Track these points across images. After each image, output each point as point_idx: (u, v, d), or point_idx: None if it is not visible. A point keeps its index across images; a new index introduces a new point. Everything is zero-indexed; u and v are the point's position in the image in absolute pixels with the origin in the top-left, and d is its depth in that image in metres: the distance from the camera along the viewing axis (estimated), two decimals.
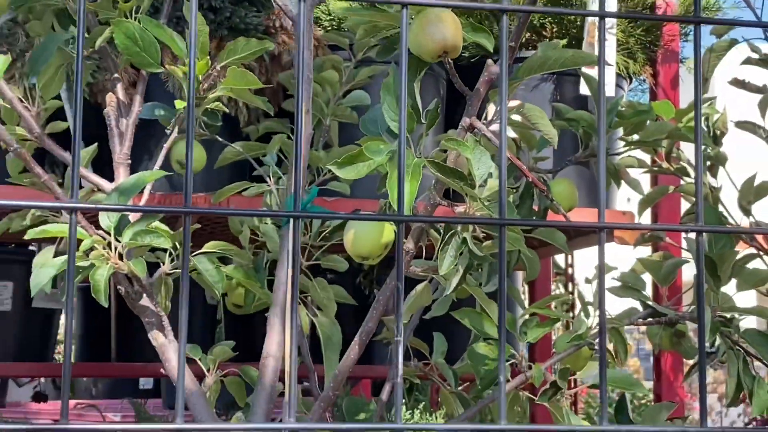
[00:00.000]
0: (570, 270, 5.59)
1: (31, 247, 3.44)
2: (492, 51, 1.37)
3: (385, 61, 2.54)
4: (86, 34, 1.74)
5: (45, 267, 1.49)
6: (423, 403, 3.37)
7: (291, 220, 1.66)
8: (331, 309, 1.77)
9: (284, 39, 2.41)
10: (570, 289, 5.55)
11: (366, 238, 1.43)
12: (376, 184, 2.59)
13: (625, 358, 1.70)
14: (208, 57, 1.64)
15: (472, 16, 2.49)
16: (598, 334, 1.72)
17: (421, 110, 1.38)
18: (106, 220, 1.54)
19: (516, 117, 1.53)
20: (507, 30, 0.93)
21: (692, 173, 2.33)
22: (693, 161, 2.36)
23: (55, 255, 1.75)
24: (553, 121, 1.92)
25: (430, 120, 1.41)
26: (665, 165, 2.26)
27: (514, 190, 1.74)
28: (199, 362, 1.65)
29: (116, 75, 1.77)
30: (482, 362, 1.59)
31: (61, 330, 4.05)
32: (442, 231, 1.42)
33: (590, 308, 1.73)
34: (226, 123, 2.40)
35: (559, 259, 5.52)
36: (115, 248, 1.53)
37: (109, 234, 1.53)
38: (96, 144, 1.84)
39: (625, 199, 3.04)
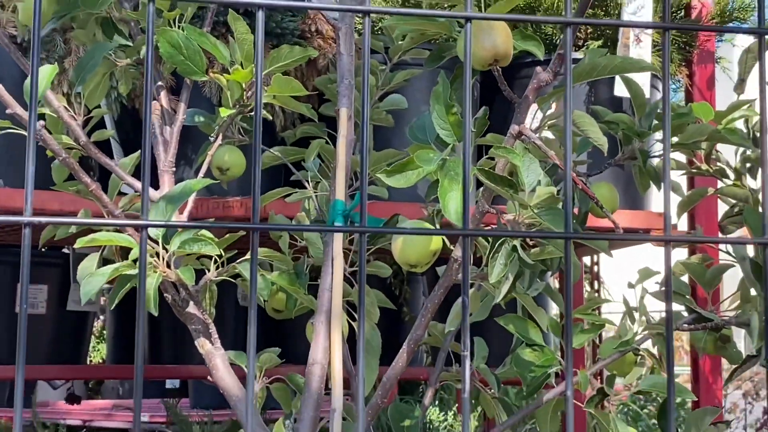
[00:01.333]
0: (596, 268, 5.58)
1: (65, 250, 3.46)
2: (542, 59, 1.37)
3: (419, 64, 2.56)
4: (130, 43, 1.75)
5: (95, 276, 1.50)
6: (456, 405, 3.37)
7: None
8: (374, 315, 1.77)
9: (320, 43, 2.42)
10: (596, 287, 5.54)
11: (415, 245, 1.43)
12: (412, 187, 2.59)
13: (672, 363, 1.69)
14: (253, 65, 1.64)
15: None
16: (642, 340, 1.72)
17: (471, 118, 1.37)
18: (155, 229, 1.54)
19: (559, 122, 1.53)
20: (571, 42, 0.93)
21: (731, 175, 2.32)
22: (732, 163, 2.35)
23: (101, 262, 1.76)
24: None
25: (478, 128, 1.41)
26: (704, 167, 2.25)
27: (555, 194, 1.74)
28: (244, 368, 1.65)
29: (160, 83, 1.77)
30: (528, 368, 1.59)
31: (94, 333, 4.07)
32: (490, 239, 1.42)
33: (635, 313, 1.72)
34: (263, 127, 2.42)
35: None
36: (163, 257, 1.54)
37: (157, 242, 1.54)
38: (139, 151, 1.84)
39: (658, 200, 3.03)
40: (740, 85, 2.39)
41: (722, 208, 2.74)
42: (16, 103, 1.53)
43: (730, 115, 2.12)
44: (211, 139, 1.74)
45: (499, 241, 1.37)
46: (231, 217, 2.41)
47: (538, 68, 1.39)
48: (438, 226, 1.47)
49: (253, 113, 1.66)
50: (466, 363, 0.90)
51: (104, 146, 2.37)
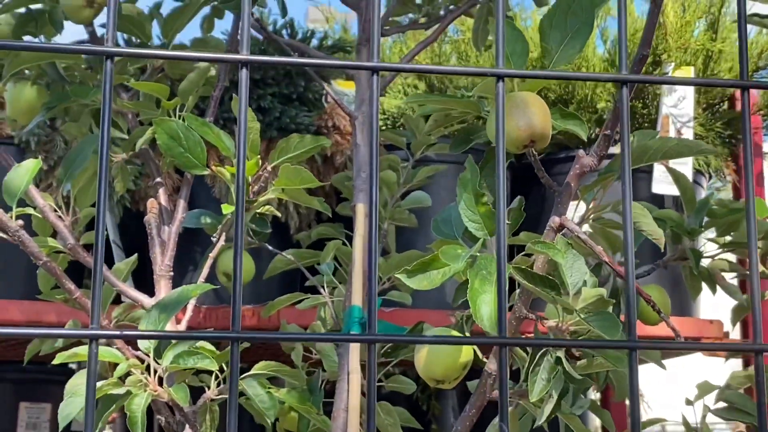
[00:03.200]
0: None
1: (71, 365, 3.27)
2: (585, 140, 1.19)
3: (444, 160, 2.39)
4: (126, 135, 1.59)
5: (75, 396, 1.31)
6: None
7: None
8: None
9: (337, 139, 2.26)
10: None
11: (442, 357, 1.24)
12: (440, 293, 2.40)
13: None
14: (259, 156, 1.47)
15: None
16: None
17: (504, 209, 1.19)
18: (146, 341, 1.36)
19: (610, 215, 1.35)
20: (628, 100, 0.75)
21: None
22: None
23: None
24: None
25: (513, 221, 1.22)
26: (761, 268, 2.05)
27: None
28: None
29: (158, 179, 1.61)
30: None
31: None
32: (530, 349, 1.22)
33: None
34: (275, 230, 2.24)
35: None
36: (155, 372, 1.35)
37: (148, 356, 1.35)
38: (136, 255, 1.67)
39: (710, 306, 2.81)
40: None
41: None
42: None
43: None
44: (213, 239, 1.56)
45: (541, 352, 1.17)
46: (244, 327, 2.21)
47: (580, 152, 1.21)
48: (468, 335, 1.28)
49: (261, 212, 1.49)
50: None
51: (106, 251, 2.20)
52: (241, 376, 1.48)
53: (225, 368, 1.49)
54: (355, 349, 1.48)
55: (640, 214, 1.27)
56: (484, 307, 1.09)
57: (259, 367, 1.52)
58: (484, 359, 1.27)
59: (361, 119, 1.63)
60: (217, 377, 1.47)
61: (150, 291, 1.58)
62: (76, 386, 1.55)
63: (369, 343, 0.72)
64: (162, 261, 1.53)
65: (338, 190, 2.30)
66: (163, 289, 1.52)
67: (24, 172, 1.43)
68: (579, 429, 1.29)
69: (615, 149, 2.14)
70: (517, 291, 1.26)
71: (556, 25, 1.17)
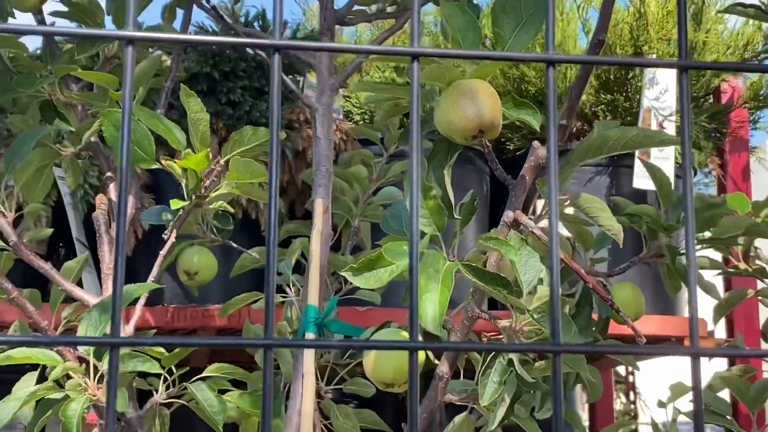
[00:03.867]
0: (630, 378, 5.26)
1: None
2: (539, 129, 1.12)
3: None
4: (72, 128, 1.53)
5: (9, 401, 1.25)
6: None
7: (306, 338, 1.42)
8: None
9: (309, 133, 2.19)
10: (632, 398, 5.21)
11: (391, 360, 1.17)
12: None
13: None
14: (208, 150, 1.41)
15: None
16: None
17: (453, 204, 1.13)
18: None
19: (570, 210, 1.28)
20: (554, 82, 0.69)
21: None
22: None
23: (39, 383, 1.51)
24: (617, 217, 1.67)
25: (465, 216, 1.16)
26: (742, 266, 1.98)
27: (570, 298, 1.48)
28: None
29: (109, 174, 1.54)
30: None
31: None
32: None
33: None
34: (244, 227, 2.17)
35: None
36: (96, 374, 1.28)
37: (88, 358, 1.29)
38: (87, 252, 1.61)
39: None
40: None
41: (763, 312, 2.46)
42: None
43: (766, 208, 1.86)
44: (165, 237, 1.49)
45: (492, 355, 1.11)
46: (212, 327, 2.15)
47: (536, 143, 1.15)
48: (421, 337, 1.21)
49: (222, 209, 1.43)
50: None
51: (71, 250, 2.13)
52: (191, 380, 1.42)
53: (174, 371, 1.43)
54: (309, 352, 1.41)
55: (598, 209, 1.21)
56: (429, 306, 1.03)
57: (212, 370, 1.46)
58: (436, 362, 1.21)
59: (321, 111, 1.56)
60: (166, 380, 1.41)
61: None
62: (21, 389, 1.48)
63: (265, 348, 0.66)
64: (110, 259, 1.47)
65: (311, 186, 2.24)
66: (110, 289, 1.45)
67: None
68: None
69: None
70: (471, 289, 1.19)
71: (510, 10, 1.11)
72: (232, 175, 1.40)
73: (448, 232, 1.17)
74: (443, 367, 1.18)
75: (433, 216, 1.11)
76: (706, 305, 2.26)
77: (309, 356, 1.42)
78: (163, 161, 1.44)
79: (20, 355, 1.28)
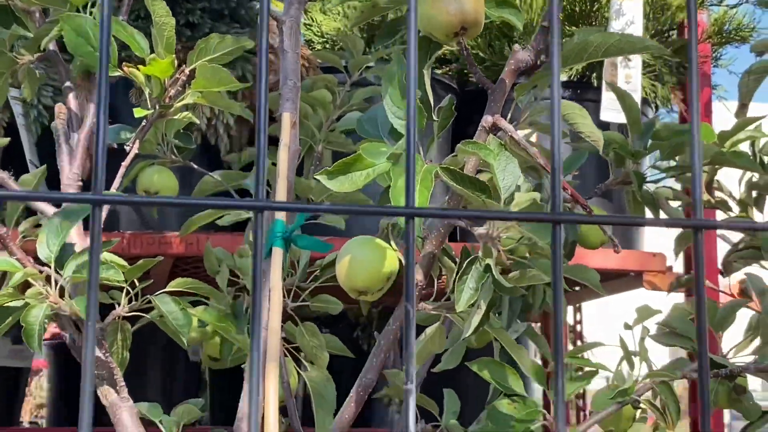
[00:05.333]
0: (579, 327, 5.29)
1: None
2: (521, 30, 1.10)
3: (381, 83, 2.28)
4: (30, 33, 1.47)
5: None
6: None
7: (274, 252, 1.38)
8: (322, 359, 1.48)
9: (271, 58, 2.14)
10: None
11: (364, 266, 1.15)
12: (374, 222, 2.31)
13: (678, 417, 1.40)
14: (174, 56, 1.36)
15: None
16: (643, 390, 1.43)
17: (432, 106, 1.10)
18: (46, 249, 1.25)
19: (546, 120, 1.26)
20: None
21: (734, 207, 2.05)
22: (735, 193, 2.08)
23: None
24: (580, 144, 1.65)
25: (442, 120, 1.13)
26: (705, 197, 1.98)
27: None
28: (159, 425, 1.35)
29: (68, 83, 1.49)
30: (507, 424, 1.30)
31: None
32: (458, 259, 1.13)
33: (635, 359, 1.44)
34: (204, 152, 2.13)
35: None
36: (57, 284, 1.24)
37: (49, 266, 1.25)
38: (45, 166, 1.56)
39: (652, 239, 2.74)
40: (741, 111, 2.13)
41: (721, 246, 2.46)
42: None
43: (735, 136, 1.86)
44: (127, 148, 1.45)
45: (468, 260, 1.09)
46: (169, 254, 2.11)
47: (516, 46, 1.12)
48: (393, 245, 1.19)
49: (187, 119, 1.38)
50: (410, 400, 0.62)
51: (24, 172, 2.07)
52: (155, 293, 1.38)
53: (137, 284, 1.39)
54: (276, 263, 1.38)
55: (579, 115, 1.19)
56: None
57: (175, 284, 1.42)
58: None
59: (288, 24, 1.52)
60: (128, 293, 1.37)
61: None
62: None
63: (258, 210, 0.63)
64: (70, 170, 1.42)
65: (272, 111, 2.19)
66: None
67: None
68: (509, 344, 1.21)
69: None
70: (447, 197, 1.17)
71: None
72: (198, 82, 1.36)
73: (425, 137, 1.15)
74: (417, 276, 1.16)
75: None
76: (668, 239, 2.25)
77: (276, 270, 1.39)
78: (125, 68, 1.39)
79: None
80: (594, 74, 2.28)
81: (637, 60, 2.22)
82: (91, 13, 1.44)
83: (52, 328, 3.44)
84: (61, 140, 1.44)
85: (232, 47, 1.40)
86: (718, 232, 2.29)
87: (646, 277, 2.31)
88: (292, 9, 1.54)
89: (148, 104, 1.41)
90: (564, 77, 2.30)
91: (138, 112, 1.38)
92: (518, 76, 1.14)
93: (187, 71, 1.40)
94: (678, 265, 2.51)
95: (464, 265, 1.08)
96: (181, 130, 1.74)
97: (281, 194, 1.45)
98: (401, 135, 1.09)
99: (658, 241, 2.56)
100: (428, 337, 1.23)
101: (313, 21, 2.42)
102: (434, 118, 1.10)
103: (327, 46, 2.40)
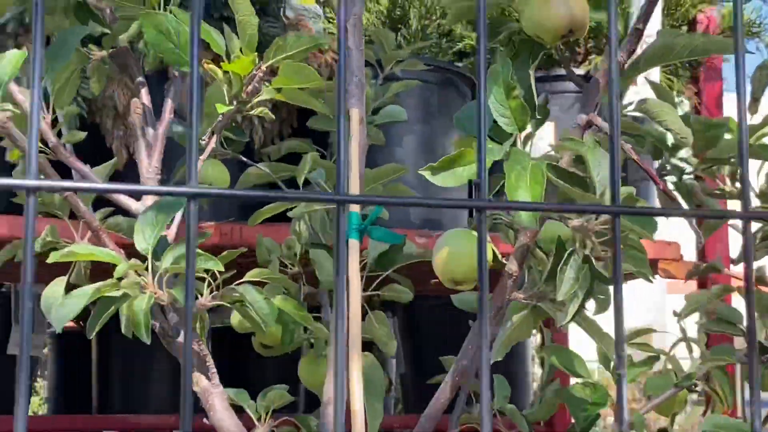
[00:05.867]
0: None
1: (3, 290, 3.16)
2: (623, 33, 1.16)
3: (409, 77, 2.33)
4: (108, 30, 1.51)
5: (72, 298, 1.24)
6: None
7: (351, 244, 1.43)
8: (391, 347, 1.53)
9: None
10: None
11: (463, 259, 1.20)
12: (404, 213, 2.36)
13: (733, 400, 1.48)
14: (255, 54, 1.41)
15: None
16: (700, 374, 1.50)
17: (536, 105, 1.15)
18: (143, 242, 1.29)
19: (638, 114, 1.32)
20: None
21: (754, 199, 2.13)
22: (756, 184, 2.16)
23: (69, 286, 1.50)
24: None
25: (541, 117, 1.18)
26: (728, 187, 2.06)
27: None
28: (248, 410, 1.40)
29: (140, 79, 1.53)
30: (581, 407, 1.36)
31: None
32: (553, 250, 1.19)
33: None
34: (239, 144, 2.17)
35: None
36: (155, 275, 1.29)
37: (145, 258, 1.29)
38: (116, 158, 1.60)
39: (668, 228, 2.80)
40: (753, 105, 2.21)
41: (732, 233, 2.54)
42: None
43: (760, 131, 1.93)
44: (204, 143, 1.49)
45: (568, 252, 1.14)
46: (206, 246, 2.15)
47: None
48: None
49: (263, 114, 1.43)
50: (623, 384, 0.67)
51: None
52: (236, 282, 1.43)
53: (218, 276, 1.43)
54: (354, 254, 1.43)
55: (666, 112, 1.25)
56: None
57: (252, 275, 1.47)
58: (504, 260, 1.24)
59: (352, 22, 1.57)
60: (210, 284, 1.42)
61: None
62: (56, 293, 1.48)
63: (479, 209, 0.68)
64: (150, 163, 1.46)
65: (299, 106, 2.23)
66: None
67: (6, 63, 1.34)
68: (598, 333, 1.27)
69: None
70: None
71: None
72: (279, 80, 1.41)
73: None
74: (512, 266, 1.22)
75: (515, 115, 1.13)
76: (678, 229, 2.33)
77: (354, 261, 1.44)
78: (205, 65, 1.43)
79: (84, 251, 1.27)
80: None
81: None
82: (166, 10, 1.48)
83: None
84: (138, 134, 1.48)
85: (308, 45, 1.44)
86: (730, 222, 2.37)
87: (661, 265, 2.38)
88: (356, 8, 1.59)
89: (225, 99, 1.45)
90: (582, 70, 2.37)
91: (220, 108, 1.42)
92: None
93: (263, 68, 1.44)
94: (688, 254, 2.59)
95: (564, 257, 1.14)
96: (233, 124, 1.78)
97: (355, 188, 1.50)
98: (502, 131, 1.15)
99: (668, 230, 2.63)
100: (516, 324, 1.29)
101: (333, 11, 2.46)
102: (537, 116, 1.15)
103: None
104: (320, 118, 2.00)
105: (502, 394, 1.66)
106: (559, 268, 1.13)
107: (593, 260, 1.13)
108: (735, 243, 2.45)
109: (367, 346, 1.63)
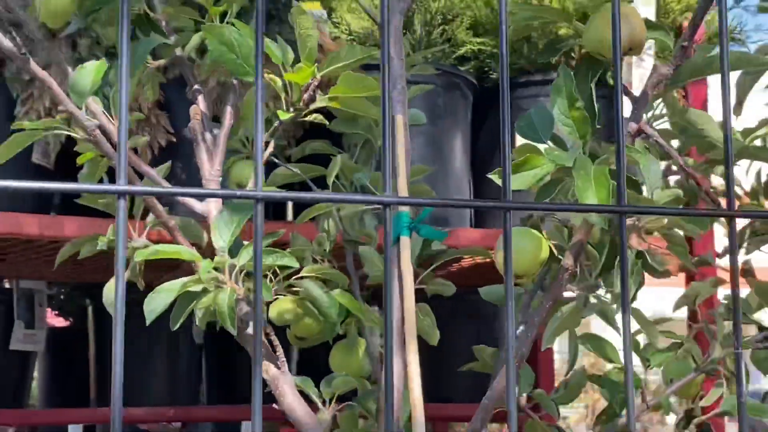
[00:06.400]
0: None
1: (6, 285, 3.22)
2: (671, 47, 1.28)
3: (417, 81, 2.44)
4: (169, 41, 1.60)
5: (160, 293, 1.33)
6: None
7: (402, 241, 1.54)
8: (433, 336, 1.64)
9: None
10: None
11: (524, 254, 1.32)
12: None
13: (748, 383, 1.61)
14: (315, 66, 1.51)
15: None
16: (719, 359, 1.63)
17: (597, 115, 1.27)
18: (220, 240, 1.39)
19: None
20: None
21: (743, 197, 2.28)
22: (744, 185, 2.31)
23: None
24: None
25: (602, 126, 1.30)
26: (721, 187, 2.20)
27: None
28: (313, 396, 1.50)
29: (196, 86, 1.62)
30: (617, 390, 1.49)
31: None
32: (605, 246, 1.31)
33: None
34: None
35: None
36: (232, 271, 1.38)
37: (223, 255, 1.39)
38: (170, 162, 1.69)
39: None
40: (738, 108, 2.35)
41: (719, 229, 2.68)
42: (68, 99, 1.37)
43: (759, 131, 2.08)
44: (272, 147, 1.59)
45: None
46: None
47: (659, 62, 1.30)
48: (544, 233, 1.36)
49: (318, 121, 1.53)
50: (741, 366, 0.79)
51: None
52: (295, 277, 1.53)
53: (279, 272, 1.53)
54: (406, 251, 1.54)
55: (705, 121, 1.37)
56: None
57: (309, 270, 1.57)
58: (560, 256, 1.36)
59: (393, 32, 1.67)
60: (271, 280, 1.52)
61: None
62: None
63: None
64: (211, 167, 1.56)
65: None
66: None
67: (86, 74, 1.43)
68: (642, 320, 1.39)
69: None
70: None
71: None
72: (338, 88, 1.51)
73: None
74: (568, 261, 1.33)
75: (577, 125, 1.25)
76: None
77: (406, 256, 1.55)
78: (265, 75, 1.53)
79: (170, 250, 1.37)
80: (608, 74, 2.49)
81: (649, 61, 2.42)
82: (227, 23, 1.57)
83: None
84: (199, 139, 1.57)
85: (360, 56, 1.55)
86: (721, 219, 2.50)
87: None
88: (395, 17, 1.69)
89: (283, 106, 1.55)
90: None
91: (282, 115, 1.52)
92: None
93: (318, 77, 1.54)
94: None
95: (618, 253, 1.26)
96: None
97: (403, 190, 1.61)
98: (560, 141, 1.26)
99: None
100: (566, 314, 1.41)
101: (341, 20, 2.56)
102: (597, 125, 1.27)
103: (355, 43, 2.55)
104: (341, 121, 2.10)
105: (527, 382, 1.78)
106: (616, 263, 1.25)
107: (647, 256, 1.25)
108: (722, 238, 2.60)
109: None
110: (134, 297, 3.00)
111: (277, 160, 1.98)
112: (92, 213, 1.91)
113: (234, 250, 1.40)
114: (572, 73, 1.26)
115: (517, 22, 1.31)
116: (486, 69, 2.58)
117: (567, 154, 1.21)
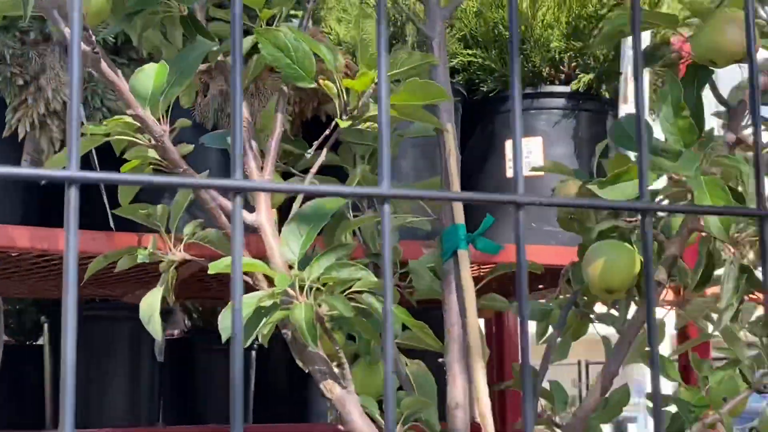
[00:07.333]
0: None
1: None
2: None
3: None
4: (216, 45, 1.51)
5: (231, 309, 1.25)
6: None
7: (461, 255, 1.48)
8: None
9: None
10: None
11: (618, 268, 1.27)
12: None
13: None
14: (375, 71, 1.44)
15: None
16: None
17: (695, 125, 1.23)
18: (290, 253, 1.32)
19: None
20: None
21: None
22: None
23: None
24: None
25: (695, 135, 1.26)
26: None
27: None
28: (378, 417, 1.42)
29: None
30: (688, 409, 1.45)
31: None
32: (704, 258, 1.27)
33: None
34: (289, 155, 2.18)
35: None
36: (303, 285, 1.31)
37: (291, 268, 1.31)
38: (208, 171, 1.60)
39: None
40: None
41: None
42: (138, 104, 1.27)
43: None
44: (308, 155, 1.52)
45: (728, 262, 1.23)
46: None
47: (763, 75, 1.27)
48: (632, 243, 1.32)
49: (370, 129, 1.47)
50: None
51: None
52: (351, 291, 1.46)
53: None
54: (465, 265, 1.48)
55: None
56: (710, 217, 1.13)
57: (361, 284, 1.50)
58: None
59: (437, 40, 1.62)
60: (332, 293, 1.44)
61: None
62: (153, 304, 1.48)
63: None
64: (263, 173, 1.48)
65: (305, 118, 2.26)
66: (263, 200, 1.46)
67: (146, 77, 1.34)
68: (730, 337, 1.35)
69: None
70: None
71: None
72: (400, 96, 1.44)
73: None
74: (662, 274, 1.29)
75: (682, 133, 1.21)
76: None
77: (466, 268, 1.49)
78: (320, 81, 1.46)
79: (246, 263, 1.28)
80: (603, 86, 2.47)
81: (645, 76, 2.41)
82: (277, 26, 1.50)
83: None
84: (246, 147, 1.49)
85: (419, 63, 1.49)
86: None
87: None
88: (438, 26, 1.64)
89: (337, 112, 1.48)
90: (569, 89, 2.48)
91: (341, 123, 1.45)
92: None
93: (374, 84, 1.48)
94: None
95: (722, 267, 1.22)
96: (292, 137, 1.80)
97: (458, 204, 1.55)
98: (668, 150, 1.22)
99: None
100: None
101: (331, 29, 2.49)
102: (701, 136, 1.23)
103: (350, 48, 2.48)
104: (351, 131, 2.03)
105: (561, 399, 1.74)
106: (723, 278, 1.21)
107: (754, 269, 1.21)
108: None
109: (419, 353, 1.69)
110: (96, 313, 2.87)
111: (293, 170, 1.90)
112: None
113: (305, 262, 1.32)
114: (681, 81, 1.22)
115: (612, 29, 1.26)
116: (476, 81, 2.54)
117: (671, 165, 1.17)
